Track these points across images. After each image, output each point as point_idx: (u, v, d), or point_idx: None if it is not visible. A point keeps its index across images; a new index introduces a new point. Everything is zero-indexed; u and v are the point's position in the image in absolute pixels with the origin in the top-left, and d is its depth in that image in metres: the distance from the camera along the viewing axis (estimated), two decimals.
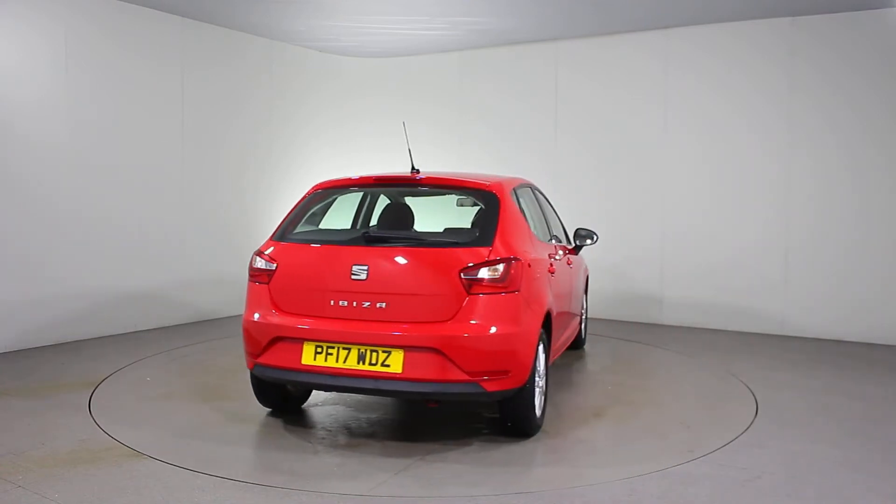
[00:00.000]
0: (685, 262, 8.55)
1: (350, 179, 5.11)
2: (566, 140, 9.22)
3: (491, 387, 4.18)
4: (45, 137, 7.02)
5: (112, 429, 4.74)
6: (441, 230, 4.93)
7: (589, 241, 6.28)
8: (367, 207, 5.55)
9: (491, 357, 4.17)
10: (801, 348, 7.46)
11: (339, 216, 5.45)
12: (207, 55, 8.51)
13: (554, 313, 5.01)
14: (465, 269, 4.19)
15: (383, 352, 4.18)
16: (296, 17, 8.14)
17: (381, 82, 10.36)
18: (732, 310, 8.31)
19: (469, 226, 5.00)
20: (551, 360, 5.15)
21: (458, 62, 9.87)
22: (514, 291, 4.25)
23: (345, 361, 4.23)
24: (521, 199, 5.09)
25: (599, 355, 7.05)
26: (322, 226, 5.11)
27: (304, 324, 4.36)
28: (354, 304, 4.30)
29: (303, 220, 4.91)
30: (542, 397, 4.79)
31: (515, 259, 4.31)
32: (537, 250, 4.83)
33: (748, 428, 4.92)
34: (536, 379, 4.56)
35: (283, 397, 5.05)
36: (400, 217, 5.14)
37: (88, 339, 7.40)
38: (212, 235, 8.63)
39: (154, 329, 7.94)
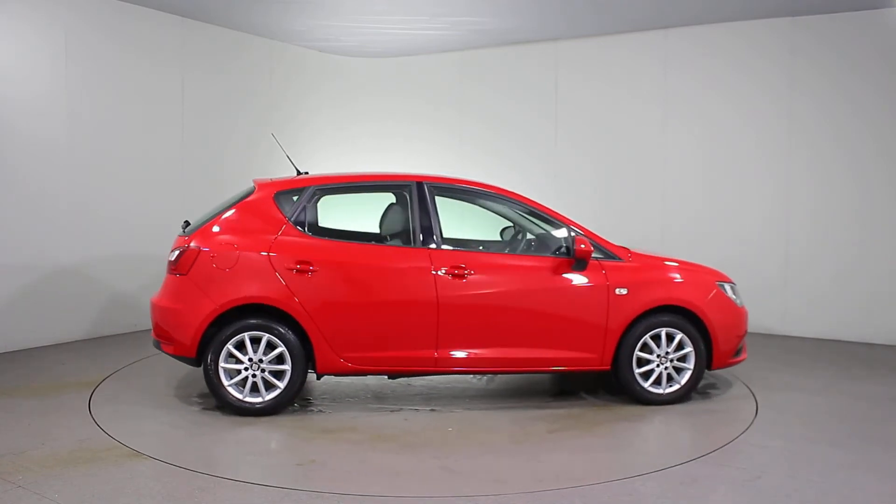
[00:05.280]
0: None
1: None
2: (566, 140, 9.22)
3: (164, 348, 5.18)
4: (45, 137, 7.02)
5: (112, 429, 4.75)
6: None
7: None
8: None
9: (157, 323, 5.22)
10: (801, 348, 7.45)
11: None
12: (207, 55, 8.50)
13: (305, 311, 4.99)
14: (170, 252, 5.26)
15: None
16: (296, 17, 8.14)
17: (381, 82, 10.35)
18: None
19: None
20: (339, 368, 5.11)
21: (458, 62, 9.86)
22: (181, 274, 5.09)
23: None
24: (300, 201, 5.25)
25: None
26: None
27: None
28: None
29: None
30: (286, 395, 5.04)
31: (190, 248, 5.09)
32: (282, 247, 5.07)
33: (748, 428, 4.91)
34: (255, 364, 5.01)
35: None
36: None
37: (88, 339, 7.40)
38: None
39: None
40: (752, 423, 5.03)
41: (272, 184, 5.38)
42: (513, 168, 9.39)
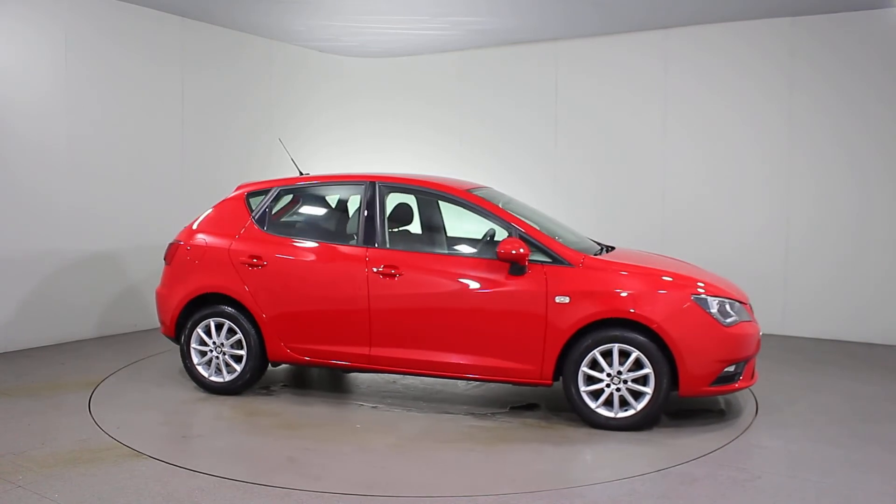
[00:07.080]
0: None
1: None
2: (566, 140, 9.22)
3: (162, 329, 5.91)
4: (44, 137, 7.02)
5: (112, 429, 4.75)
6: None
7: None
8: None
9: (157, 307, 5.91)
10: (801, 348, 7.46)
11: None
12: (207, 55, 8.50)
13: (257, 306, 5.46)
14: None
15: None
16: (296, 17, 8.14)
17: (381, 83, 10.35)
18: None
19: None
20: (281, 357, 5.50)
21: (457, 62, 9.86)
22: (168, 264, 5.85)
23: None
24: (264, 201, 5.73)
25: None
26: None
27: None
28: None
29: None
30: (248, 369, 5.52)
31: (176, 242, 5.85)
32: (241, 243, 5.58)
33: (748, 428, 4.92)
34: (218, 347, 5.58)
35: None
36: None
37: (88, 339, 7.41)
38: None
39: (154, 329, 7.92)
40: (752, 423, 5.03)
41: (248, 185, 5.96)
42: (512, 168, 9.40)
